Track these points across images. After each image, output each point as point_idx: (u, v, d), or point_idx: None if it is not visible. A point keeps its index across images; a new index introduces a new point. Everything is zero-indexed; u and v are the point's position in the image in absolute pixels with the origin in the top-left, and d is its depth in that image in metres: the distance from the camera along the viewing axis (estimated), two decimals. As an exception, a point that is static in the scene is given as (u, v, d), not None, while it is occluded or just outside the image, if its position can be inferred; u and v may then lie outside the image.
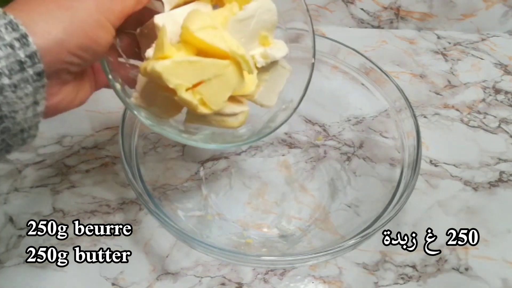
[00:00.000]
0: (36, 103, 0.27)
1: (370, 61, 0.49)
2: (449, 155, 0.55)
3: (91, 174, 0.52)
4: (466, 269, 0.46)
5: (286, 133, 0.56)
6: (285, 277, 0.44)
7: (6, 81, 0.24)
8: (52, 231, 0.47)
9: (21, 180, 0.51)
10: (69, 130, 0.56)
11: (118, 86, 0.34)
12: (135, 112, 0.34)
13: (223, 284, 0.44)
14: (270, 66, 0.37)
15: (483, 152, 0.56)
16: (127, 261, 0.45)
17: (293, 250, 0.44)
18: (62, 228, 0.47)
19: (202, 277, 0.44)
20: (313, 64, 0.38)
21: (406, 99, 0.46)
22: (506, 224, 0.49)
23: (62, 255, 0.45)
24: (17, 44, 0.25)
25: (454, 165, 0.54)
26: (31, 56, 0.25)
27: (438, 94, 0.63)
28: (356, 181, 0.50)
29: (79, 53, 0.28)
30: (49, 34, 0.26)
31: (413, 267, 0.46)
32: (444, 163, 0.55)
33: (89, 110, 0.58)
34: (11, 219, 0.48)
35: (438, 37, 0.71)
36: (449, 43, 0.70)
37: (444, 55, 0.68)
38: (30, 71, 0.26)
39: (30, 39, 0.25)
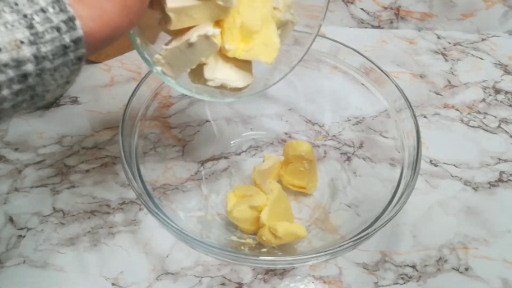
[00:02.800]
0: (68, 82, 0.26)
1: (370, 61, 0.49)
2: (449, 155, 0.55)
3: (91, 174, 0.52)
4: (466, 269, 0.46)
5: (286, 133, 0.56)
6: (285, 277, 0.44)
7: (48, 65, 0.23)
8: (52, 231, 0.47)
9: (21, 180, 0.51)
10: (69, 130, 0.56)
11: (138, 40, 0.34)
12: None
13: (223, 284, 0.44)
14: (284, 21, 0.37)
15: (483, 152, 0.56)
16: (127, 261, 0.45)
17: (293, 250, 0.44)
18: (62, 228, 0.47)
19: (202, 277, 0.44)
20: (320, 25, 0.38)
21: (406, 99, 0.46)
22: (506, 224, 0.49)
23: (62, 255, 0.45)
24: (64, 28, 0.23)
25: (454, 165, 0.54)
26: (76, 41, 0.24)
27: (438, 94, 0.63)
28: (356, 181, 0.50)
29: (118, 35, 0.28)
30: (93, 21, 0.25)
31: (413, 267, 0.46)
32: (444, 163, 0.55)
33: (89, 110, 0.58)
34: (11, 219, 0.48)
35: (438, 37, 0.71)
36: (449, 43, 0.70)
37: (444, 55, 0.68)
38: (72, 55, 0.25)
39: (77, 22, 0.24)
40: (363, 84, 0.50)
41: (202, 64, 0.34)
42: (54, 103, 0.59)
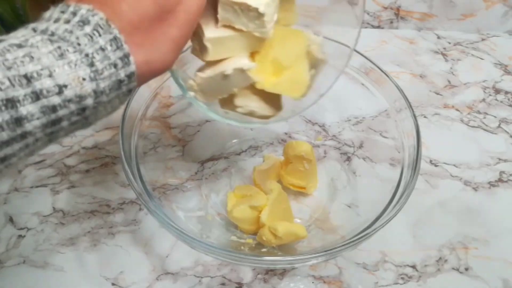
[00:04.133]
0: (115, 110, 0.27)
1: (370, 61, 0.49)
2: (449, 155, 0.55)
3: (91, 174, 0.52)
4: (466, 269, 0.46)
5: (286, 133, 0.56)
6: (285, 277, 0.44)
7: (104, 99, 0.25)
8: (52, 231, 0.47)
9: (21, 180, 0.51)
10: (69, 130, 0.56)
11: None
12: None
13: (223, 284, 0.44)
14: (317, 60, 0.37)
15: (483, 152, 0.56)
16: (127, 261, 0.45)
17: (293, 250, 0.44)
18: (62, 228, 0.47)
19: (202, 277, 0.44)
20: (350, 55, 0.38)
21: (406, 99, 0.46)
22: (506, 224, 0.49)
23: (62, 255, 0.45)
24: (120, 64, 0.25)
25: (454, 165, 0.54)
26: (129, 75, 0.26)
27: (438, 94, 0.63)
28: (356, 181, 0.50)
29: (166, 69, 0.29)
30: (147, 63, 0.27)
31: (413, 267, 0.46)
32: (444, 163, 0.55)
33: (89, 110, 0.58)
34: (11, 219, 0.48)
35: (438, 37, 0.71)
36: (449, 43, 0.70)
37: (444, 55, 0.68)
38: (124, 88, 0.26)
39: (132, 58, 0.25)
40: (363, 84, 0.50)
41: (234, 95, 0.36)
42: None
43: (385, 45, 0.70)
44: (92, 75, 0.24)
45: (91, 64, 0.24)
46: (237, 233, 0.46)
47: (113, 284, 0.44)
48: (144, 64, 0.26)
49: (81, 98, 0.24)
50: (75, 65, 0.23)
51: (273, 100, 0.37)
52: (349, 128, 0.54)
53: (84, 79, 0.23)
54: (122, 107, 0.44)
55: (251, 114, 0.37)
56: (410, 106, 0.45)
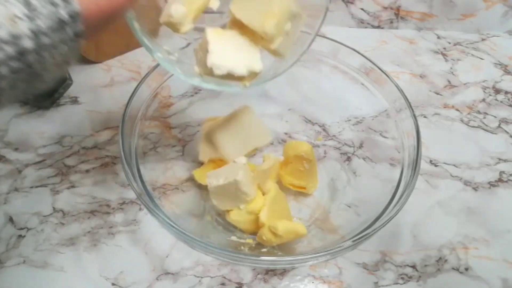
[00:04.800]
0: (66, 62, 0.26)
1: (370, 61, 0.49)
2: (449, 155, 0.55)
3: (91, 174, 0.52)
4: (466, 269, 0.46)
5: (286, 133, 0.56)
6: (285, 277, 0.44)
7: (46, 40, 0.23)
8: (52, 231, 0.47)
9: (21, 180, 0.51)
10: (69, 130, 0.56)
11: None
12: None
13: (223, 284, 0.44)
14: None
15: (483, 152, 0.56)
16: (127, 261, 0.45)
17: (293, 250, 0.44)
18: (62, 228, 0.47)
19: (202, 277, 0.44)
20: (326, 10, 0.38)
21: (406, 99, 0.46)
22: (506, 224, 0.49)
23: (62, 255, 0.45)
24: (60, 2, 0.23)
25: (454, 165, 0.54)
26: (73, 16, 0.24)
27: (438, 94, 0.63)
28: (356, 181, 0.50)
29: (115, 15, 0.28)
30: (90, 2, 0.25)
31: (413, 267, 0.46)
32: (444, 163, 0.55)
33: (89, 110, 0.58)
34: (11, 219, 0.48)
35: (438, 37, 0.71)
36: (449, 43, 0.70)
37: (444, 55, 0.68)
38: (70, 31, 0.24)
39: None
40: (363, 84, 0.50)
41: (206, 51, 0.34)
42: (54, 103, 0.59)
43: (385, 45, 0.70)
44: (28, 13, 0.22)
45: (26, 2, 0.22)
46: (237, 233, 0.46)
47: (113, 284, 0.44)
48: (91, 4, 0.25)
49: (16, 38, 0.22)
50: (7, 2, 0.22)
51: (250, 56, 0.36)
52: (349, 128, 0.54)
53: (18, 17, 0.22)
54: (122, 107, 0.44)
55: (228, 76, 0.35)
56: (410, 106, 0.45)
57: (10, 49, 0.22)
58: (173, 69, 0.36)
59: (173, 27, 0.34)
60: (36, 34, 0.23)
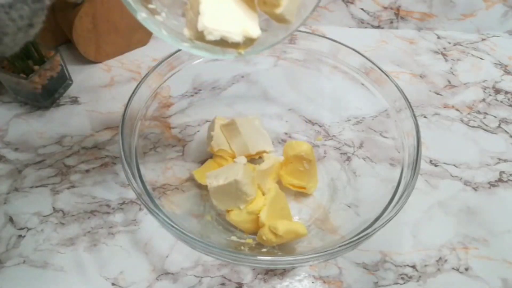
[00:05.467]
0: (31, 25, 0.23)
1: (370, 61, 0.49)
2: (449, 155, 0.55)
3: (91, 174, 0.52)
4: (466, 269, 0.46)
5: (286, 133, 0.56)
6: (285, 277, 0.44)
7: (1, 0, 0.21)
8: (52, 231, 0.47)
9: (21, 180, 0.51)
10: (69, 130, 0.56)
11: None
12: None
13: (223, 284, 0.44)
14: None
15: (483, 152, 0.56)
16: (127, 261, 0.45)
17: (293, 250, 0.44)
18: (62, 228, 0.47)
19: (202, 277, 0.44)
20: None
21: (406, 99, 0.46)
22: (506, 224, 0.49)
23: (62, 255, 0.45)
24: None
25: (454, 165, 0.54)
26: None
27: (438, 94, 0.63)
28: (356, 181, 0.50)
29: None
30: None
31: (413, 267, 0.46)
32: (444, 163, 0.55)
33: (89, 110, 0.58)
34: (11, 219, 0.48)
35: (438, 37, 0.71)
36: (449, 43, 0.70)
37: (444, 55, 0.68)
38: None
39: None
40: (363, 84, 0.50)
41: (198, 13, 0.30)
42: (54, 103, 0.59)
43: (385, 45, 0.70)
44: None
45: None
46: (237, 233, 0.46)
47: (113, 284, 0.44)
48: None
49: None
50: None
51: (247, 20, 0.32)
52: (349, 128, 0.54)
53: None
54: (122, 107, 0.44)
55: (222, 41, 0.31)
56: (410, 106, 0.45)
57: None
58: (159, 32, 0.32)
59: None
60: None
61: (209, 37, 0.30)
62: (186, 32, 0.32)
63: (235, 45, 0.31)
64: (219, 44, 0.31)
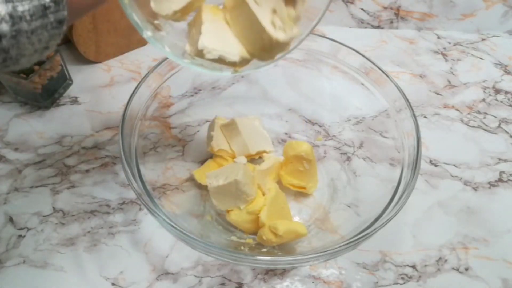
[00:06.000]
0: (46, 48, 0.24)
1: (370, 61, 0.49)
2: (449, 155, 0.55)
3: (91, 174, 0.52)
4: (466, 269, 0.46)
5: (286, 133, 0.56)
6: (285, 277, 0.44)
7: (25, 27, 0.22)
8: (52, 231, 0.47)
9: (21, 180, 0.51)
10: (69, 130, 0.56)
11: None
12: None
13: (223, 284, 0.44)
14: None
15: (483, 152, 0.56)
16: (127, 261, 0.45)
17: (293, 250, 0.44)
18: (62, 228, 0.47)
19: (202, 277, 0.44)
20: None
21: (406, 99, 0.46)
22: (506, 224, 0.49)
23: (62, 255, 0.45)
24: None
25: (454, 165, 0.54)
26: (56, 1, 0.23)
27: (438, 94, 0.63)
28: (356, 181, 0.50)
29: None
30: None
31: (413, 267, 0.46)
32: (444, 163, 0.55)
33: (89, 110, 0.58)
34: (11, 219, 0.48)
35: (438, 37, 0.71)
36: (449, 43, 0.70)
37: (444, 55, 0.68)
38: (52, 17, 0.23)
39: None
40: (363, 84, 0.50)
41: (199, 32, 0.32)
42: (54, 103, 0.59)
43: (385, 45, 0.70)
44: None
45: None
46: (237, 233, 0.46)
47: (113, 284, 0.44)
48: None
49: None
50: None
51: (248, 39, 0.33)
52: (349, 128, 0.54)
53: None
54: (122, 107, 0.44)
55: (220, 60, 0.33)
56: (410, 106, 0.45)
57: None
58: (162, 49, 0.33)
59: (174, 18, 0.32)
60: (14, 18, 0.21)
61: (208, 56, 0.32)
62: (188, 48, 0.34)
63: (232, 64, 0.33)
64: (217, 62, 0.33)
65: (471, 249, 0.47)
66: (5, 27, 0.21)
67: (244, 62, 0.34)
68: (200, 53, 0.32)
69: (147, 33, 0.32)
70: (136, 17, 0.32)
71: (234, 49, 0.33)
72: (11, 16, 0.21)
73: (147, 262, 0.45)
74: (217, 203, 0.43)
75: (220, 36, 0.32)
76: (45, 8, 0.22)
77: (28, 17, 0.22)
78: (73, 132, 0.56)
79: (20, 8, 0.21)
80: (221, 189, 0.42)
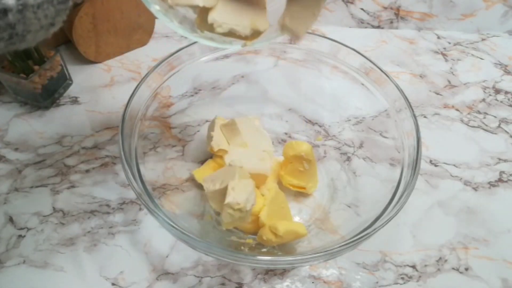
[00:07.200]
0: (52, 24, 0.24)
1: (370, 61, 0.49)
2: (449, 155, 0.55)
3: (91, 174, 0.52)
4: (466, 269, 0.46)
5: (286, 133, 0.56)
6: (285, 277, 0.44)
7: (30, 1, 0.21)
8: (52, 231, 0.47)
9: (21, 180, 0.51)
10: (69, 130, 0.56)
11: None
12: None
13: (223, 284, 0.44)
14: None
15: (483, 152, 0.56)
16: (127, 261, 0.45)
17: (293, 250, 0.44)
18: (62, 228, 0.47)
19: (202, 277, 0.44)
20: None
21: (406, 99, 0.46)
22: (506, 224, 0.49)
23: (62, 255, 0.45)
24: None
25: (454, 165, 0.54)
26: None
27: (438, 94, 0.63)
28: (356, 181, 0.50)
29: None
30: None
31: (413, 267, 0.46)
32: (444, 163, 0.55)
33: (89, 110, 0.58)
34: (11, 219, 0.48)
35: (438, 37, 0.71)
36: (449, 43, 0.70)
37: (444, 55, 0.68)
38: None
39: None
40: (363, 84, 0.50)
41: (209, 8, 0.31)
42: (54, 103, 0.59)
43: (385, 45, 0.70)
44: None
45: None
46: (237, 233, 0.46)
47: (113, 284, 0.44)
48: None
49: None
50: None
51: (256, 13, 0.32)
52: (349, 128, 0.54)
53: None
54: (122, 107, 0.44)
55: (230, 33, 0.32)
56: (410, 106, 0.45)
57: None
58: (171, 22, 0.33)
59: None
60: None
61: (218, 30, 0.31)
62: (198, 20, 0.33)
63: (243, 37, 0.32)
64: (227, 35, 0.32)
65: (471, 249, 0.47)
66: (11, 1, 0.21)
67: (255, 34, 0.33)
68: (210, 27, 0.31)
69: (155, 7, 0.32)
70: None
71: (245, 21, 0.32)
72: None
73: (147, 262, 0.45)
74: (216, 206, 0.43)
75: (230, 10, 0.32)
76: None
77: None
78: (73, 132, 0.56)
79: None
80: (218, 193, 0.42)
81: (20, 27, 0.22)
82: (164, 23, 0.32)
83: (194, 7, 0.31)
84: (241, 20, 0.32)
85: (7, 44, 0.23)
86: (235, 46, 0.35)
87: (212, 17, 0.31)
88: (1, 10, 0.21)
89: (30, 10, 0.22)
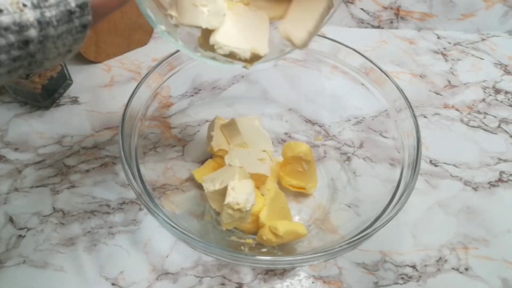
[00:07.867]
0: (70, 51, 0.25)
1: (370, 61, 0.49)
2: (449, 155, 0.55)
3: (91, 174, 0.52)
4: (466, 269, 0.46)
5: (286, 133, 0.56)
6: (285, 277, 0.44)
7: (51, 32, 0.22)
8: (52, 231, 0.47)
9: (21, 180, 0.51)
10: (69, 130, 0.56)
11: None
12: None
13: (223, 284, 0.44)
14: None
15: (483, 152, 0.56)
16: (127, 261, 0.45)
17: (293, 250, 0.44)
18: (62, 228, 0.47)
19: (202, 277, 0.44)
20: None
21: (406, 99, 0.46)
22: (506, 224, 0.49)
23: (62, 255, 0.45)
24: None
25: (454, 165, 0.54)
26: (81, 6, 0.23)
27: (438, 94, 0.63)
28: (356, 181, 0.50)
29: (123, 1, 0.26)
30: None
31: (413, 267, 0.46)
32: (444, 163, 0.55)
33: (89, 110, 0.58)
34: (11, 219, 0.48)
35: (438, 37, 0.71)
36: (449, 43, 0.70)
37: (444, 55, 0.68)
38: (77, 22, 0.23)
39: None
40: (363, 84, 0.50)
41: (212, 29, 0.32)
42: (54, 103, 0.59)
43: (385, 45, 0.70)
44: (35, 1, 0.21)
45: None
46: (237, 233, 0.46)
47: (113, 284, 0.44)
48: None
49: (21, 27, 0.21)
50: None
51: (257, 37, 0.33)
52: (349, 128, 0.54)
53: (25, 5, 0.21)
54: (122, 107, 0.44)
55: (231, 55, 0.33)
56: (410, 106, 0.45)
57: (13, 38, 0.21)
58: (175, 42, 0.34)
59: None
60: (42, 24, 0.22)
61: (219, 51, 0.32)
62: (200, 42, 0.34)
63: (243, 59, 0.33)
64: (228, 56, 0.33)
65: (471, 249, 0.47)
66: (33, 32, 0.21)
67: (255, 58, 0.33)
68: (212, 48, 0.32)
69: (161, 27, 0.32)
70: (149, 11, 0.32)
71: (246, 45, 0.32)
72: (39, 22, 0.21)
73: (147, 262, 0.45)
74: (216, 206, 0.43)
75: (232, 32, 0.32)
76: (70, 13, 0.23)
77: (55, 23, 0.22)
78: (73, 132, 0.56)
79: (47, 14, 0.22)
80: (218, 193, 0.42)
81: (39, 55, 0.23)
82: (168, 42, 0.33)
83: (198, 27, 0.32)
84: (242, 44, 0.32)
85: (26, 70, 0.23)
86: (236, 66, 0.35)
87: (214, 38, 0.31)
88: (23, 41, 0.21)
89: (50, 41, 0.23)
